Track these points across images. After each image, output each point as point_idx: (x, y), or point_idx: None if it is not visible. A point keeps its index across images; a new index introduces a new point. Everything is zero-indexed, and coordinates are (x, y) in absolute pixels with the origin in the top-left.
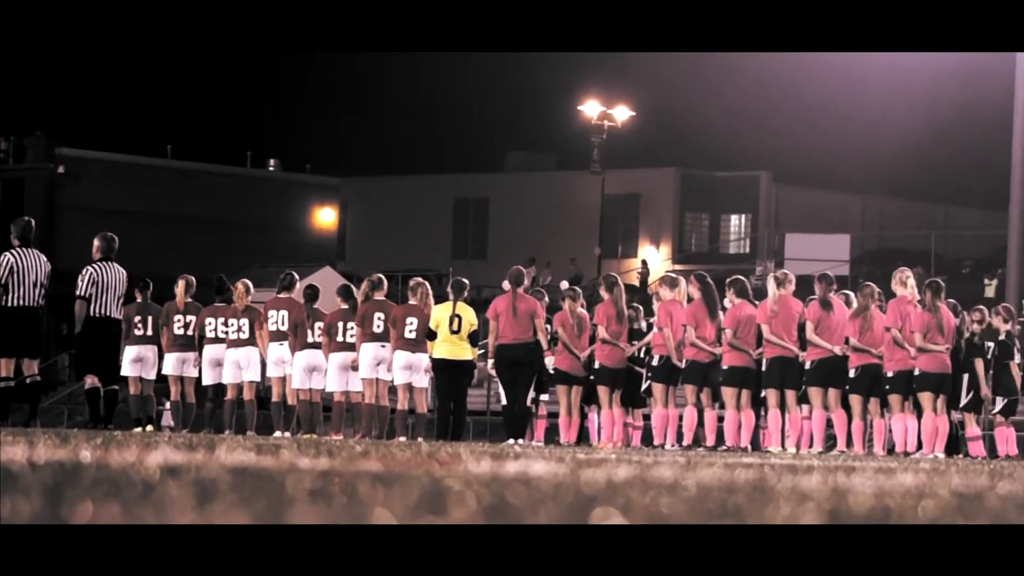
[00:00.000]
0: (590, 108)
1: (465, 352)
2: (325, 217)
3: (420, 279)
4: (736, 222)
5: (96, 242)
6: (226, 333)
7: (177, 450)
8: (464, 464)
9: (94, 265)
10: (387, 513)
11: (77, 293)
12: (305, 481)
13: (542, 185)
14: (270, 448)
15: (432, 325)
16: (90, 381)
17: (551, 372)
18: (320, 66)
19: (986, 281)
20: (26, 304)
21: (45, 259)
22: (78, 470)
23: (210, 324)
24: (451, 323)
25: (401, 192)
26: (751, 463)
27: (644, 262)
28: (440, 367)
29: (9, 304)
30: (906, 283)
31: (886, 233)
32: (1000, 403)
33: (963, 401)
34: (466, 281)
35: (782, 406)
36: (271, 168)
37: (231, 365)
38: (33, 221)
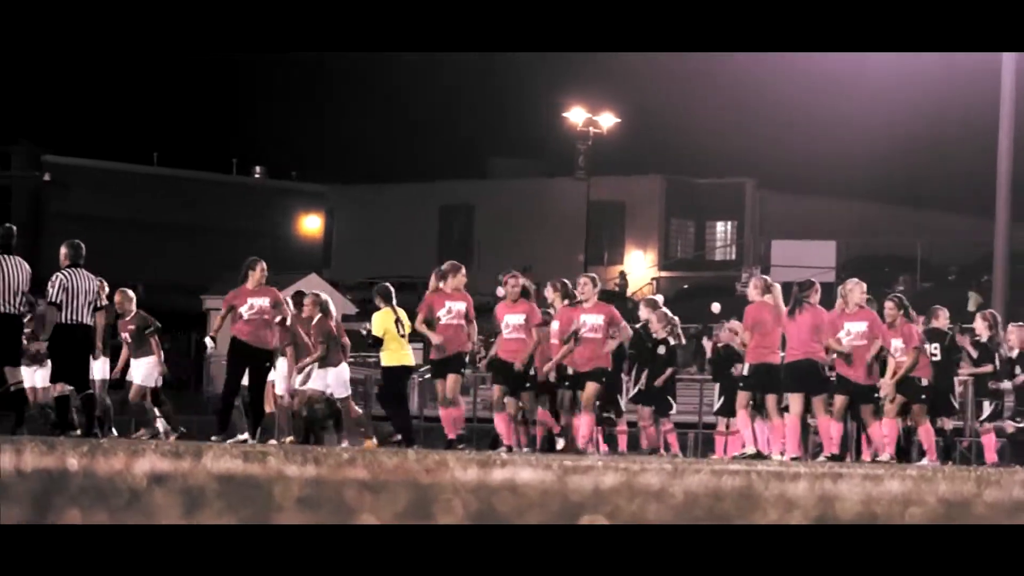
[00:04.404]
0: (575, 115)
1: (412, 355)
2: (311, 224)
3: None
4: (722, 229)
5: (63, 249)
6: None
7: (164, 458)
8: (451, 471)
9: (64, 272)
10: (374, 519)
11: (48, 300)
12: (293, 488)
13: (527, 192)
14: (257, 456)
15: (379, 332)
16: (59, 389)
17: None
18: (307, 74)
19: (969, 295)
20: (6, 312)
21: (27, 266)
22: (65, 478)
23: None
24: (398, 328)
25: (387, 199)
26: (738, 470)
27: (622, 273)
28: (400, 373)
29: None
30: (855, 291)
31: (872, 239)
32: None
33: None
34: (390, 286)
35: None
36: (257, 175)
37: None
38: (15, 228)
